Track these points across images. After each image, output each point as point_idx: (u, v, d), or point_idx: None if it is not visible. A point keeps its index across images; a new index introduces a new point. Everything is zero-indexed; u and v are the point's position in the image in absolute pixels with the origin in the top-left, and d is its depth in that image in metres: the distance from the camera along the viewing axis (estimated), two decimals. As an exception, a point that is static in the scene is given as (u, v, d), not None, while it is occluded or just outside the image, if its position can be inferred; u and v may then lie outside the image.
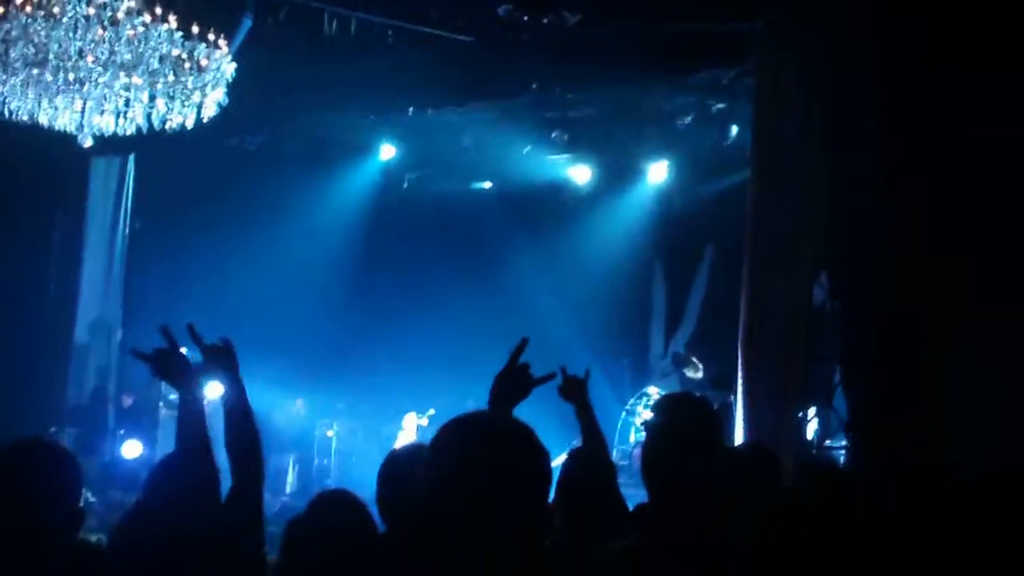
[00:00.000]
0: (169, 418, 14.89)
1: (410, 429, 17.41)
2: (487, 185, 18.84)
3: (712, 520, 3.80)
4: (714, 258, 17.57)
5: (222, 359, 4.21)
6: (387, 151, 17.89)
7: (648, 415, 4.65)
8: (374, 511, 4.29)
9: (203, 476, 4.13)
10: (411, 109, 15.81)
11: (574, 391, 5.06)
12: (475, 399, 3.97)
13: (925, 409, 9.05)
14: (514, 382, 3.94)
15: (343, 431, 18.20)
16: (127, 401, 16.36)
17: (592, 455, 4.92)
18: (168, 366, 4.28)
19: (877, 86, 9.29)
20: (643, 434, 4.43)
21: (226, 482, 4.16)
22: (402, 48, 13.07)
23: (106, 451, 16.01)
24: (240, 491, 4.21)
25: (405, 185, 19.04)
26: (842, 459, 10.68)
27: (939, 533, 3.40)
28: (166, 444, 13.75)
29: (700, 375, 16.38)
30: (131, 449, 15.42)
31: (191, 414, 4.27)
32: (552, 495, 4.86)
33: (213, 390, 4.35)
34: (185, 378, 4.27)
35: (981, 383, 8.50)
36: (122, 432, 15.93)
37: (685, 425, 4.16)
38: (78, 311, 17.05)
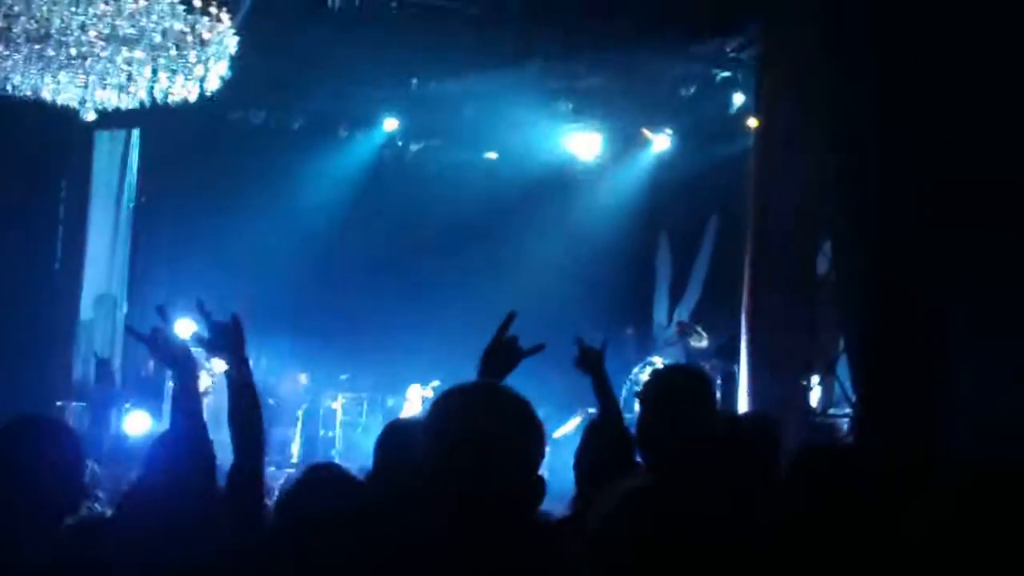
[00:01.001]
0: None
1: (414, 401, 17.44)
2: (492, 156, 18.81)
3: (713, 495, 3.83)
4: (719, 227, 17.58)
5: (229, 336, 4.21)
6: (390, 123, 17.86)
7: (646, 380, 4.66)
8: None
9: (197, 454, 4.15)
10: (415, 81, 15.78)
11: (591, 362, 5.06)
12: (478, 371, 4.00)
13: (926, 379, 9.08)
14: (502, 354, 3.98)
15: (348, 403, 18.24)
16: (144, 373, 16.36)
17: (610, 426, 4.92)
18: (163, 346, 4.29)
19: (883, 54, 9.27)
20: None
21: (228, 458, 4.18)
22: (405, 19, 13.04)
23: (112, 425, 16.06)
24: (242, 465, 4.23)
25: (409, 157, 19.02)
26: (845, 428, 10.72)
27: (938, 508, 3.42)
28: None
29: (704, 344, 16.38)
30: (136, 423, 15.44)
31: (185, 392, 4.28)
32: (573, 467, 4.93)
33: (219, 364, 4.37)
34: (180, 358, 4.28)
35: (982, 351, 8.52)
36: (128, 406, 15.94)
37: (679, 397, 4.19)
38: (83, 286, 17.07)
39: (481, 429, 2.36)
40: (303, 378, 18.38)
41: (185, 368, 4.28)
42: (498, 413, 2.39)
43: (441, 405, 2.44)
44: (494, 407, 2.40)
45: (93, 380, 17.05)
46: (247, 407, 4.23)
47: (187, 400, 4.28)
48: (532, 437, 2.44)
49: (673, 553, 2.94)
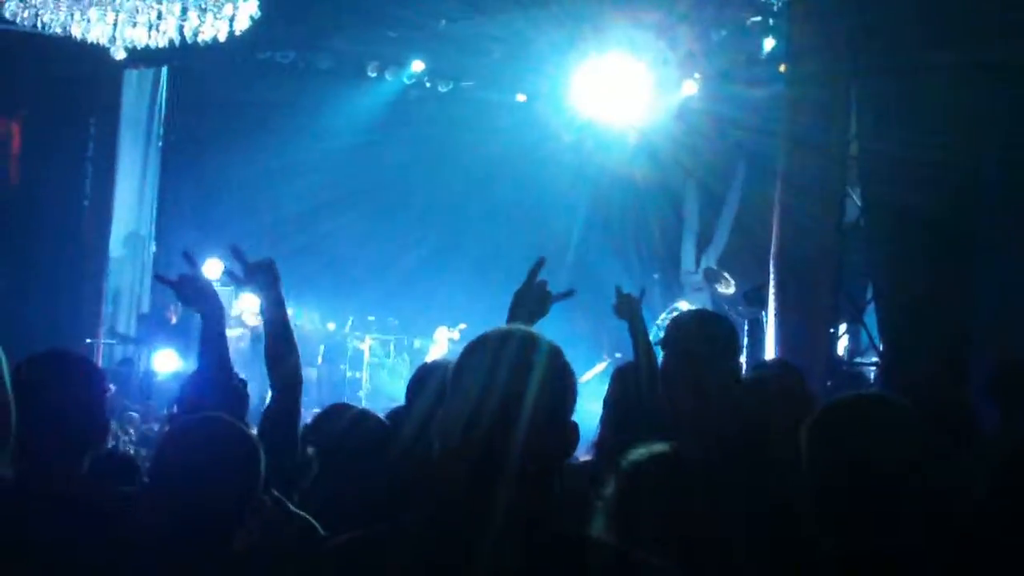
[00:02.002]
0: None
1: (441, 342, 17.51)
2: (521, 98, 18.70)
3: (736, 439, 3.84)
4: (747, 173, 17.48)
5: (264, 274, 4.24)
6: (418, 64, 17.76)
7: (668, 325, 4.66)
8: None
9: (225, 393, 4.20)
10: (443, 21, 15.70)
11: (628, 308, 5.11)
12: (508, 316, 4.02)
13: (953, 327, 9.05)
14: (532, 299, 4.00)
15: (376, 344, 18.33)
16: (172, 317, 16.41)
17: (643, 371, 4.94)
18: (192, 290, 4.32)
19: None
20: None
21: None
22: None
23: (142, 363, 16.16)
24: (277, 404, 4.28)
25: (436, 98, 18.94)
26: (872, 376, 10.70)
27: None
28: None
29: (732, 291, 16.36)
30: (165, 361, 15.52)
31: (213, 336, 4.31)
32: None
33: (246, 304, 4.40)
34: (207, 302, 4.31)
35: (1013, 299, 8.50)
36: (156, 344, 16.04)
37: (699, 342, 4.19)
38: (112, 224, 17.14)
39: (510, 377, 2.35)
40: (316, 317, 18.48)
41: (212, 311, 4.31)
42: (528, 360, 2.38)
43: (470, 351, 2.44)
44: (525, 353, 2.39)
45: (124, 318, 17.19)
46: (283, 344, 4.27)
47: (214, 341, 4.32)
48: (563, 384, 2.43)
49: (686, 520, 2.95)
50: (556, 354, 2.43)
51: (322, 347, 18.28)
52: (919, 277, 9.25)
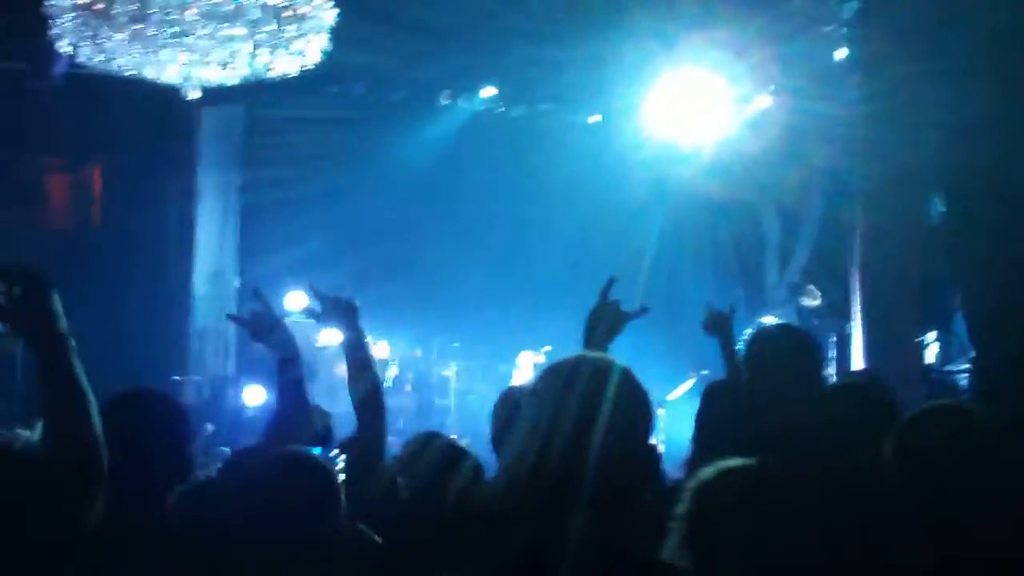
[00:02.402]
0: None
1: (526, 367, 17.49)
2: (595, 119, 18.66)
3: (824, 454, 3.77)
4: (826, 185, 17.31)
5: (344, 310, 4.27)
6: (489, 90, 17.75)
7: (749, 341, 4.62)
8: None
9: (299, 425, 4.22)
10: (513, 46, 15.73)
11: (719, 326, 5.11)
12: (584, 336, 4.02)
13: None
14: (606, 318, 4.00)
15: (461, 371, 18.34)
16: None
17: (733, 390, 4.89)
18: (264, 329, 4.35)
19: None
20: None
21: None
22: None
23: (230, 398, 16.30)
24: (362, 435, 4.29)
25: (510, 122, 18.98)
26: (964, 383, 10.54)
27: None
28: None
29: (818, 303, 16.18)
30: (253, 395, 15.64)
31: (288, 376, 4.34)
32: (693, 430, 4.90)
33: (331, 336, 4.44)
34: (281, 340, 4.33)
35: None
36: (244, 380, 16.17)
37: (783, 358, 4.13)
38: (195, 263, 17.33)
39: (582, 404, 2.33)
40: (417, 352, 18.53)
41: (285, 346, 4.34)
42: (600, 386, 2.36)
43: (544, 378, 2.43)
44: (596, 380, 2.37)
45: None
46: (363, 376, 4.28)
47: (288, 374, 4.34)
48: (637, 411, 2.41)
49: (767, 539, 2.90)
50: (629, 380, 2.40)
51: (411, 375, 18.33)
52: (1003, 285, 9.10)
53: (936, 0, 9.81)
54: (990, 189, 9.07)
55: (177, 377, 15.94)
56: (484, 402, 17.09)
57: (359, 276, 13.54)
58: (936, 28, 9.88)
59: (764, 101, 16.64)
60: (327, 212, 18.08)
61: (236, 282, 18.09)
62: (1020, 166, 8.75)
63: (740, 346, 12.76)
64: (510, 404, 4.42)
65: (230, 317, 4.53)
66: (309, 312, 4.32)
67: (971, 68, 9.33)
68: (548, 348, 17.13)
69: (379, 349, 17.10)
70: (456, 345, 18.73)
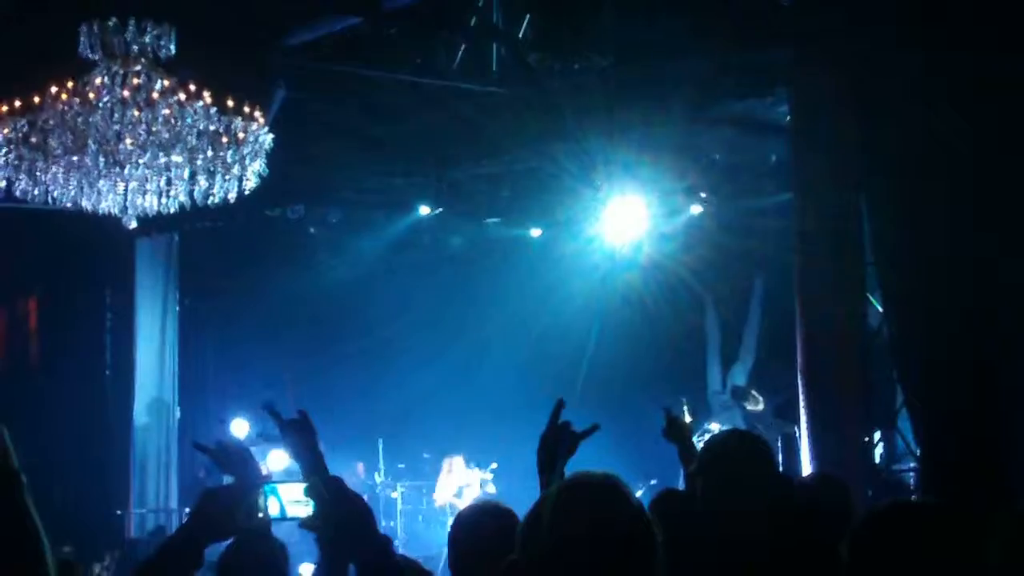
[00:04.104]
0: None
1: (457, 472, 17.33)
2: (535, 233, 18.73)
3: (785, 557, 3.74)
4: (765, 287, 17.45)
5: (302, 433, 4.20)
6: (426, 209, 17.78)
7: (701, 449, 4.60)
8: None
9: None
10: (448, 165, 15.86)
11: (677, 433, 5.10)
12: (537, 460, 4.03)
13: (987, 426, 8.95)
14: (558, 441, 3.98)
15: (407, 492, 18.15)
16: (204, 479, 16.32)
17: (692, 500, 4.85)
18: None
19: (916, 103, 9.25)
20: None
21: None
22: (432, 104, 13.11)
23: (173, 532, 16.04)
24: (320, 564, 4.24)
25: (447, 238, 19.06)
26: (912, 483, 10.57)
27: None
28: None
29: (761, 407, 16.23)
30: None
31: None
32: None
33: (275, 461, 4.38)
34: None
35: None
36: (187, 512, 15.93)
37: (735, 462, 4.12)
38: (135, 392, 17.14)
39: (595, 540, 2.32)
40: (360, 469, 18.33)
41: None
42: (612, 518, 2.35)
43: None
44: (608, 510, 2.37)
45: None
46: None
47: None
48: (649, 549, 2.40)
49: None
50: (639, 513, 2.40)
51: (365, 497, 18.11)
52: (950, 382, 9.18)
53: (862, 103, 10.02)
54: (926, 281, 9.20)
55: (119, 511, 15.69)
56: (431, 524, 16.97)
57: (299, 398, 13.45)
58: (864, 133, 10.09)
59: (696, 208, 16.77)
60: (265, 337, 18.00)
61: (177, 411, 17.86)
62: (960, 269, 8.89)
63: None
64: (463, 528, 4.35)
65: (196, 445, 4.43)
66: (262, 436, 4.28)
67: (900, 165, 9.54)
68: (495, 465, 17.04)
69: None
70: (401, 466, 18.55)
